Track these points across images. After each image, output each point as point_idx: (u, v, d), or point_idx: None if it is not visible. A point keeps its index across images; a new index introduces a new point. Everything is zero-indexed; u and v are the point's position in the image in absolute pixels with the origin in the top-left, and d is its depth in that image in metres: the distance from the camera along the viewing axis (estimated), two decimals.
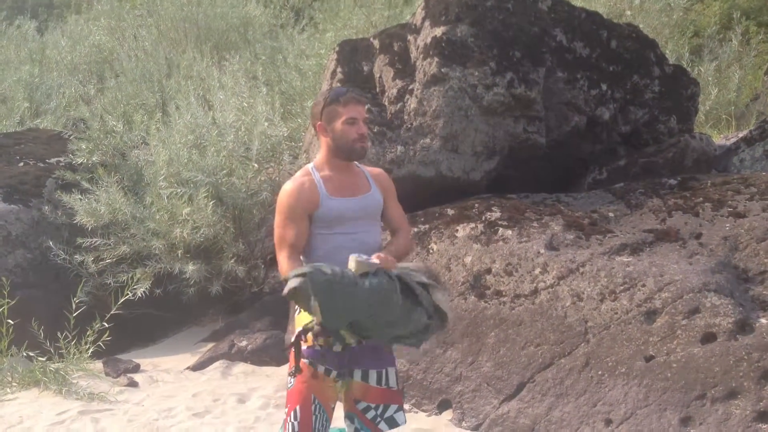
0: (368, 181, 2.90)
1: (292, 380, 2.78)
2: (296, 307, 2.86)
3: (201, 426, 4.36)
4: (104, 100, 8.46)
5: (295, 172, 3.01)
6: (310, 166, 2.90)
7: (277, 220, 2.79)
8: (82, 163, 6.47)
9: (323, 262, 2.60)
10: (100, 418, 4.49)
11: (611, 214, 4.54)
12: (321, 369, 2.71)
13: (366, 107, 2.89)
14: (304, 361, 2.73)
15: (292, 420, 2.74)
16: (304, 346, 2.73)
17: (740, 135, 6.34)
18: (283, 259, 2.73)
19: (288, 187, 2.82)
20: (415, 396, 4.34)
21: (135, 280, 5.46)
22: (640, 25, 6.58)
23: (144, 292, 5.54)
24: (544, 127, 5.20)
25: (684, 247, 4.04)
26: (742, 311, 3.57)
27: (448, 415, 4.22)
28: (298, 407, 2.73)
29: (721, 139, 6.77)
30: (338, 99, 2.80)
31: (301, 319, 2.80)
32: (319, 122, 2.85)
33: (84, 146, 6.56)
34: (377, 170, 3.04)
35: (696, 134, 5.64)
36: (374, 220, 2.89)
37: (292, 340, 2.76)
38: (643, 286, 3.77)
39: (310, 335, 2.69)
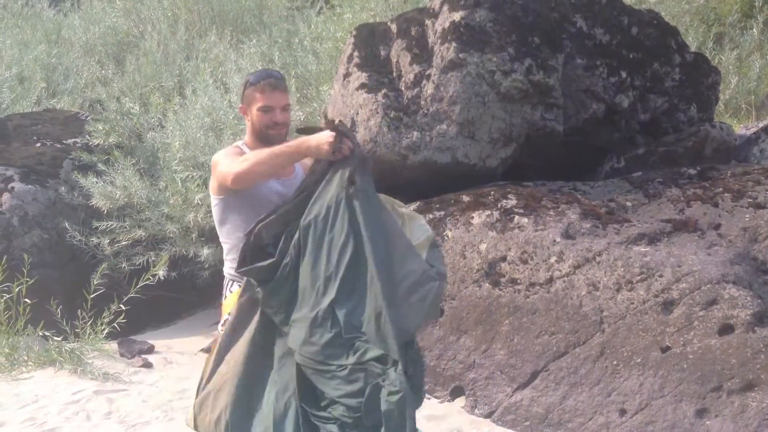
0: (295, 169, 2.91)
1: None
2: (224, 292, 2.89)
3: None
4: (121, 82, 8.46)
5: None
6: (239, 143, 2.93)
7: (221, 162, 2.78)
8: (98, 145, 6.49)
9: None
10: (114, 398, 4.53)
11: (629, 204, 4.50)
12: None
13: (287, 94, 2.87)
14: None
15: None
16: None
17: (760, 125, 6.25)
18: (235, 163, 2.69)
19: (224, 149, 2.90)
20: (427, 382, 4.33)
21: (154, 265, 5.49)
22: (661, 12, 6.48)
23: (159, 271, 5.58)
24: (562, 115, 5.15)
25: (702, 238, 4.00)
26: (760, 303, 3.54)
27: (460, 402, 4.23)
28: None
29: (741, 129, 6.68)
30: (256, 84, 2.80)
31: (228, 305, 2.82)
32: (241, 105, 2.88)
33: (101, 127, 6.57)
34: (308, 161, 3.04)
35: (716, 123, 5.57)
36: None
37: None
38: (661, 276, 3.74)
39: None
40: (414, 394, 2.47)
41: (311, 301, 2.51)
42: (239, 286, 2.77)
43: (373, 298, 2.46)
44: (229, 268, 2.88)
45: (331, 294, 2.49)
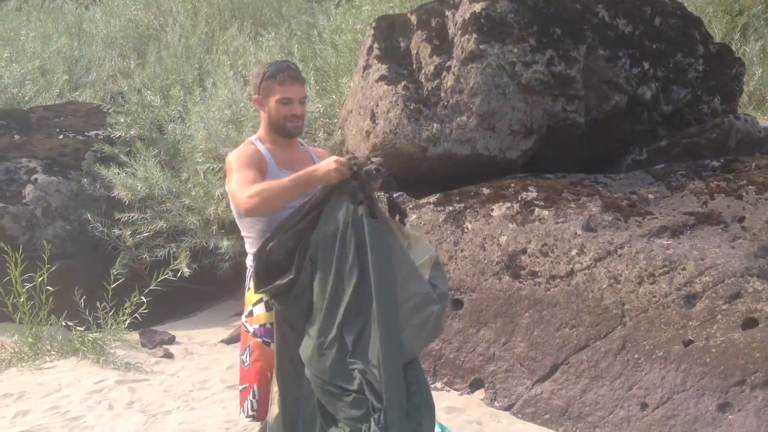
0: (312, 160, 2.90)
1: (249, 359, 2.80)
2: (246, 283, 2.90)
3: (235, 398, 4.40)
4: (143, 75, 8.52)
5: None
6: (253, 138, 2.92)
7: (234, 173, 2.75)
8: (120, 137, 6.55)
9: (265, 236, 2.69)
10: (136, 388, 4.57)
11: (651, 196, 4.45)
12: (273, 347, 2.72)
13: (304, 86, 2.87)
14: (257, 340, 2.77)
15: (251, 398, 2.78)
16: (255, 326, 2.78)
17: None
18: (246, 189, 2.65)
19: (238, 149, 2.86)
20: (447, 375, 4.34)
21: (176, 259, 5.54)
22: (684, 3, 6.40)
23: (181, 266, 5.63)
24: (584, 106, 5.11)
25: (726, 231, 3.95)
26: None
27: (480, 394, 4.22)
28: (256, 386, 2.78)
29: (765, 120, 6.58)
30: (275, 76, 2.79)
31: (251, 297, 2.82)
32: (256, 96, 2.86)
33: (122, 120, 6.62)
34: (322, 151, 3.11)
35: (740, 115, 5.50)
36: None
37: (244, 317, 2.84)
38: (683, 269, 3.71)
39: (258, 314, 2.76)
40: (417, 410, 2.53)
41: (319, 320, 2.57)
42: None
43: (376, 332, 2.51)
44: (251, 260, 2.89)
45: (338, 317, 2.55)
